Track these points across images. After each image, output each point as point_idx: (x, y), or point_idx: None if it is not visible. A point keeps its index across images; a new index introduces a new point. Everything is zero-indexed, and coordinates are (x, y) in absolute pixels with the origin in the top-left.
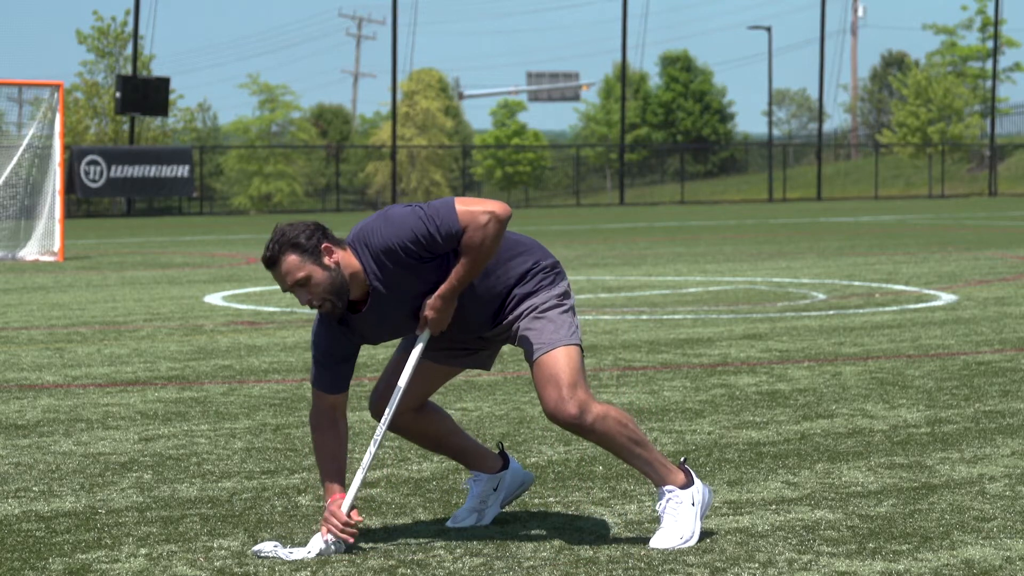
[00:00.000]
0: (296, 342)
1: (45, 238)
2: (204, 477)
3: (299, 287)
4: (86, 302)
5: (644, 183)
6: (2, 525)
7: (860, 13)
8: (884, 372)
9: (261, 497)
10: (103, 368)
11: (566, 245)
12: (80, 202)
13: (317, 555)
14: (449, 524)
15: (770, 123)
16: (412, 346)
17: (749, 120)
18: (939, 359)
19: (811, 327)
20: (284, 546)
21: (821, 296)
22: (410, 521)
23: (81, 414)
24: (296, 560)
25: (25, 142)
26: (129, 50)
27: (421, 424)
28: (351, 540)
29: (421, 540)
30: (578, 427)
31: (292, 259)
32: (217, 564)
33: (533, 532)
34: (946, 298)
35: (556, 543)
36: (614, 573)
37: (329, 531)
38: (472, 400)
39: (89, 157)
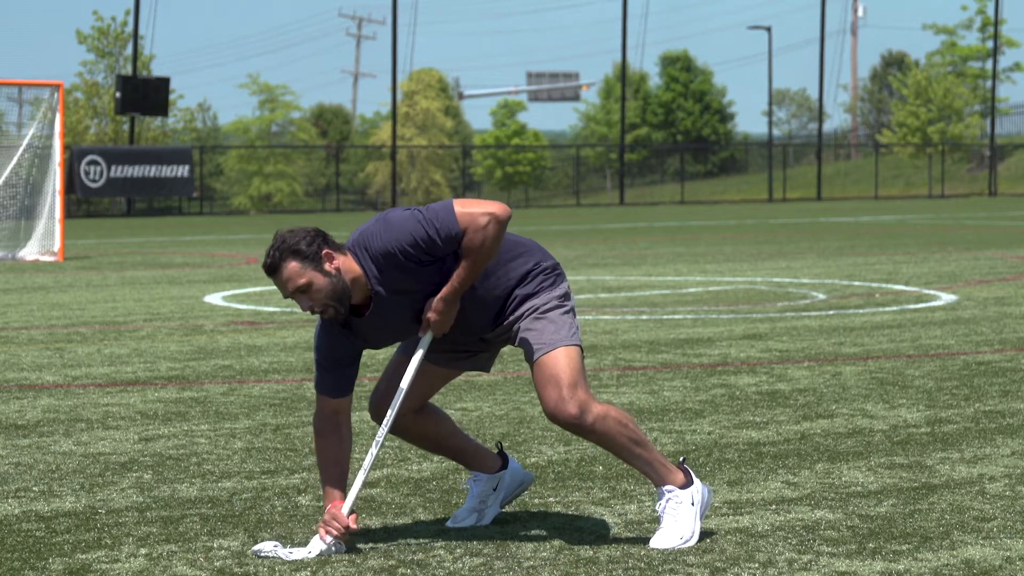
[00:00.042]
0: (296, 342)
1: (45, 238)
2: (204, 477)
3: (300, 294)
4: (86, 302)
5: (644, 183)
6: (2, 525)
7: (860, 13)
8: (884, 372)
9: (261, 497)
10: (103, 368)
11: (566, 245)
12: (80, 202)
13: (317, 555)
14: (449, 524)
15: (770, 123)
16: (413, 348)
17: (749, 120)
18: (939, 359)
19: (811, 327)
20: (284, 546)
21: (821, 296)
22: (410, 521)
23: (81, 414)
24: (296, 560)
25: (25, 142)
26: (129, 50)
27: (421, 426)
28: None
29: (421, 540)
30: (578, 427)
31: (293, 266)
32: (217, 564)
33: (533, 532)
34: (946, 298)
35: (556, 543)
36: (614, 573)
37: (328, 533)
38: (472, 400)
39: (89, 157)
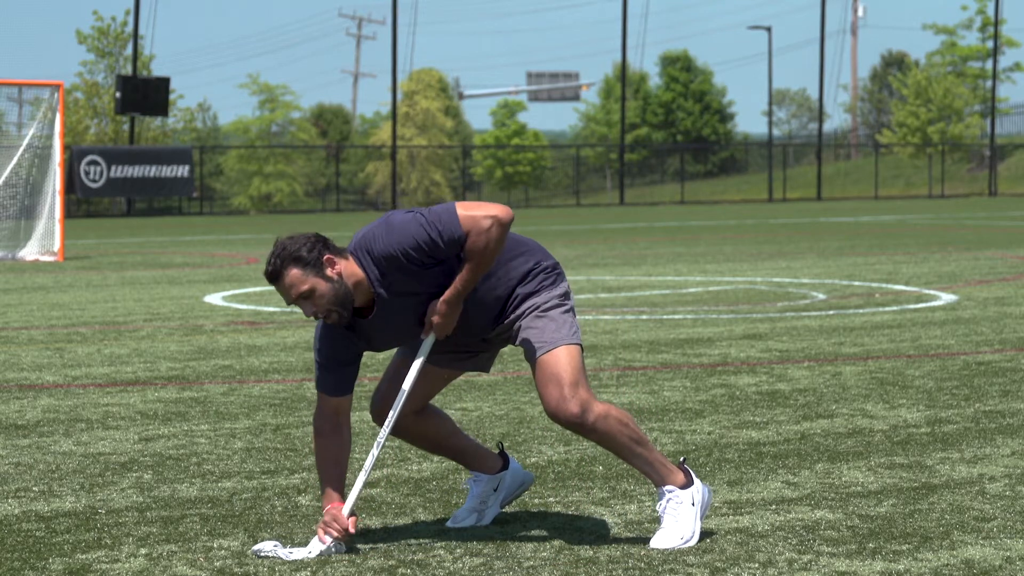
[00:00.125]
0: (296, 342)
1: (45, 238)
2: (204, 477)
3: (303, 300)
4: (86, 302)
5: (644, 183)
6: (2, 525)
7: (860, 13)
8: (884, 372)
9: (261, 497)
10: (103, 368)
11: (566, 245)
12: (80, 202)
13: (317, 555)
14: (449, 524)
15: (770, 123)
16: (414, 350)
17: (749, 120)
18: (939, 359)
19: (811, 327)
20: (284, 546)
21: (821, 296)
22: (410, 521)
23: (81, 414)
24: (296, 560)
25: (25, 142)
26: (129, 50)
27: (421, 427)
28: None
29: (421, 540)
30: (579, 426)
31: (294, 273)
32: (217, 564)
33: (533, 532)
34: (946, 298)
35: (556, 543)
36: (614, 573)
37: (328, 534)
38: (472, 400)
39: (89, 157)
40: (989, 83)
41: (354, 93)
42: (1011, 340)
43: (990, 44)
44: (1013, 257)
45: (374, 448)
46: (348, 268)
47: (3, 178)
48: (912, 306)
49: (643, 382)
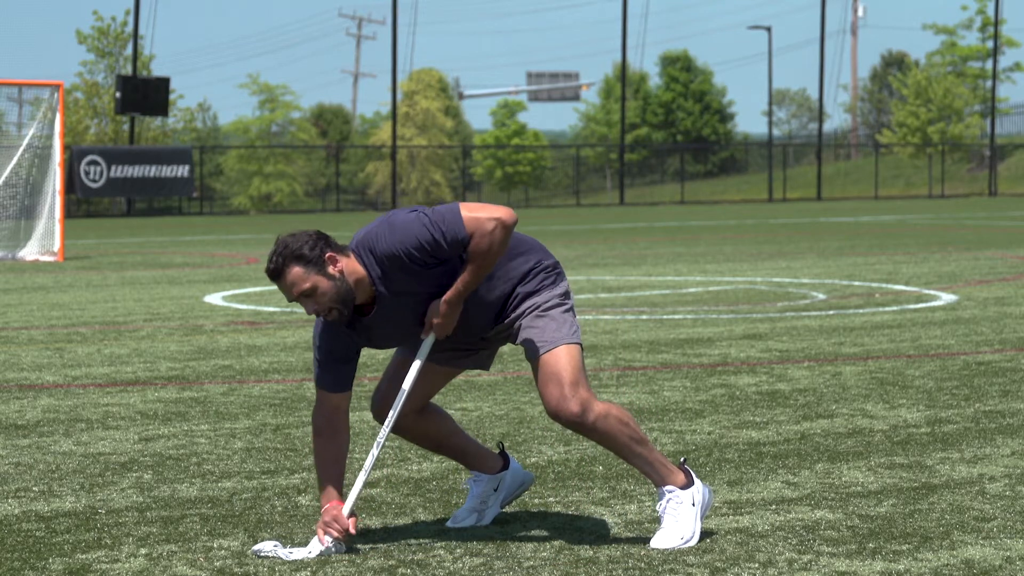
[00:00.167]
0: (296, 342)
1: (45, 238)
2: (204, 477)
3: (305, 298)
4: (86, 302)
5: (644, 183)
6: (2, 525)
7: (860, 13)
8: (884, 372)
9: (261, 497)
10: (103, 368)
11: (566, 245)
12: (80, 202)
13: (317, 555)
14: (449, 524)
15: (770, 123)
16: (414, 348)
17: (749, 120)
18: (939, 359)
19: (811, 327)
20: (284, 546)
21: (821, 296)
22: (410, 521)
23: (81, 414)
24: (296, 560)
25: (25, 142)
26: (129, 50)
27: (422, 425)
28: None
29: (421, 540)
30: (580, 425)
31: (296, 271)
32: (217, 564)
33: (533, 532)
34: (946, 298)
35: (556, 543)
36: (614, 573)
37: (328, 534)
38: (472, 400)
39: (89, 157)
40: (989, 83)
41: (354, 93)
42: (1011, 340)
43: (990, 44)
44: (1013, 257)
45: (374, 448)
46: (349, 266)
47: (3, 178)
48: (912, 306)
49: (643, 382)
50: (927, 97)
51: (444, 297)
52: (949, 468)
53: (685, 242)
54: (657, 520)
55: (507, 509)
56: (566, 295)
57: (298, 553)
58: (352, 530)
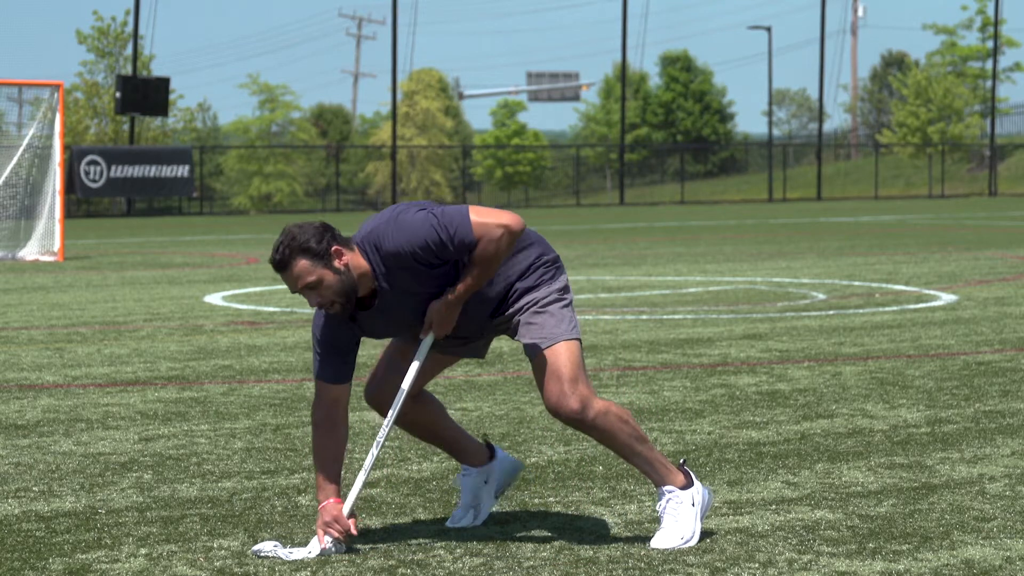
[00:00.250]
0: (296, 342)
1: (45, 238)
2: (204, 477)
3: (309, 290)
4: (86, 302)
5: (644, 183)
6: (2, 525)
7: (860, 13)
8: (884, 372)
9: (261, 497)
10: (103, 368)
11: (566, 245)
12: (80, 202)
13: (317, 555)
14: (448, 524)
15: (770, 123)
16: (412, 337)
17: (749, 120)
18: (939, 359)
19: (811, 327)
20: (284, 546)
21: (821, 296)
22: (410, 521)
23: (81, 414)
24: (296, 560)
25: (25, 142)
26: (129, 50)
27: (416, 413)
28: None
29: (421, 540)
30: (580, 422)
31: (303, 263)
32: (217, 564)
33: (533, 532)
34: (946, 298)
35: (556, 543)
36: (614, 573)
37: (328, 534)
38: (472, 400)
39: (89, 157)
40: (989, 83)
41: (354, 93)
42: (1011, 340)
43: (990, 44)
44: (1013, 257)
45: (374, 448)
46: (354, 260)
47: (3, 178)
48: (912, 306)
49: (643, 382)
50: (927, 97)
51: (444, 298)
52: (949, 468)
53: (685, 242)
54: (657, 520)
55: (507, 509)
56: (565, 289)
57: (298, 553)
58: (353, 530)
